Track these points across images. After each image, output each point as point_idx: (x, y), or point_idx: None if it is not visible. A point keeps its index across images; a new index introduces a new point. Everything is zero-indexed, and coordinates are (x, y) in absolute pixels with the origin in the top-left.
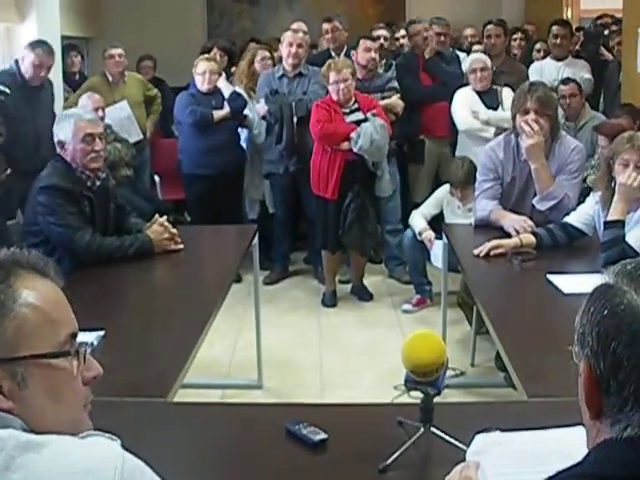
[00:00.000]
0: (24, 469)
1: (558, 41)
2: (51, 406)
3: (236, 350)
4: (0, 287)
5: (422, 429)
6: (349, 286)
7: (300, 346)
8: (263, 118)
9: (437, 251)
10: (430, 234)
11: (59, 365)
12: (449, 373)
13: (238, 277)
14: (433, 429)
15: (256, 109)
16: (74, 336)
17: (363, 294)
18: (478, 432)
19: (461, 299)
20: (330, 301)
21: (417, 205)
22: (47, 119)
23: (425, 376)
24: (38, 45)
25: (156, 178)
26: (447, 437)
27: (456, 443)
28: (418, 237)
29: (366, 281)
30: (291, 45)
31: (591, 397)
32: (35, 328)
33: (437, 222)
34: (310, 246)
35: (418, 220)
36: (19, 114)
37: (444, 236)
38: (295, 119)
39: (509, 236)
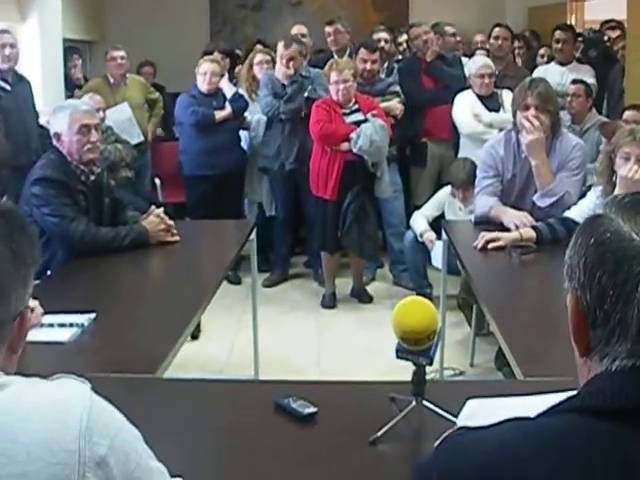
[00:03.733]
0: None
1: (560, 46)
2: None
3: (233, 349)
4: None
5: (414, 402)
6: (349, 287)
7: (298, 346)
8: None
9: (438, 252)
10: (431, 235)
11: None
12: (449, 372)
13: (237, 279)
14: (425, 402)
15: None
16: None
17: (363, 296)
18: (469, 398)
19: (461, 300)
20: (329, 302)
21: (419, 208)
22: (32, 114)
23: (416, 344)
24: (0, 31)
25: (157, 181)
26: (439, 410)
27: (448, 416)
28: (419, 238)
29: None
30: (282, 59)
31: (578, 331)
32: None
33: (438, 224)
34: (309, 248)
35: (419, 221)
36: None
37: (443, 233)
38: (306, 94)
39: (509, 232)
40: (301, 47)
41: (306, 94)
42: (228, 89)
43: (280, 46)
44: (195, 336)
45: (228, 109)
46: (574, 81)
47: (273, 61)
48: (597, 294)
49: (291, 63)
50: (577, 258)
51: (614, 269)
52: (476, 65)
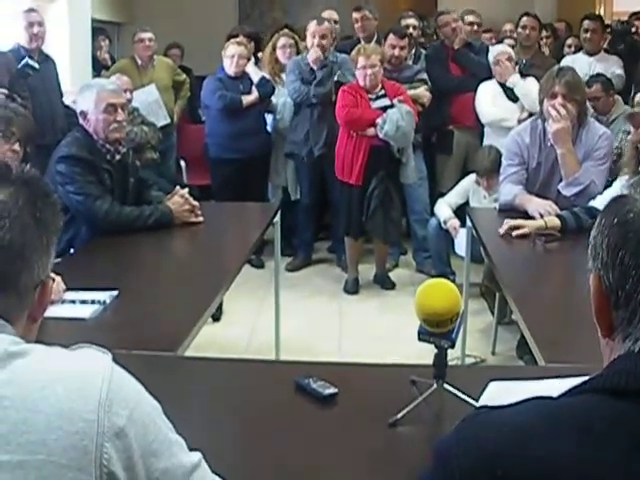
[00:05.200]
0: (9, 372)
1: (589, 35)
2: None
3: (255, 332)
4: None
5: (435, 385)
6: (372, 274)
7: (320, 330)
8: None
9: (461, 240)
10: (455, 222)
11: None
12: (470, 360)
13: (260, 263)
14: (446, 385)
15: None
16: None
17: (385, 282)
18: (491, 380)
19: (484, 287)
20: (352, 288)
21: (443, 195)
22: (57, 94)
23: (438, 326)
24: (28, 10)
25: (182, 163)
26: (460, 394)
27: (468, 400)
28: (443, 225)
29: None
30: (314, 36)
31: (601, 311)
32: None
33: (463, 212)
34: (334, 234)
35: (443, 209)
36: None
37: (467, 219)
38: (336, 78)
39: (534, 220)
40: (332, 27)
41: (335, 78)
42: (254, 73)
43: (312, 24)
44: (217, 318)
45: (255, 94)
46: (589, 83)
47: (296, 45)
48: (619, 274)
49: (324, 41)
50: (601, 238)
51: (637, 249)
52: (493, 53)
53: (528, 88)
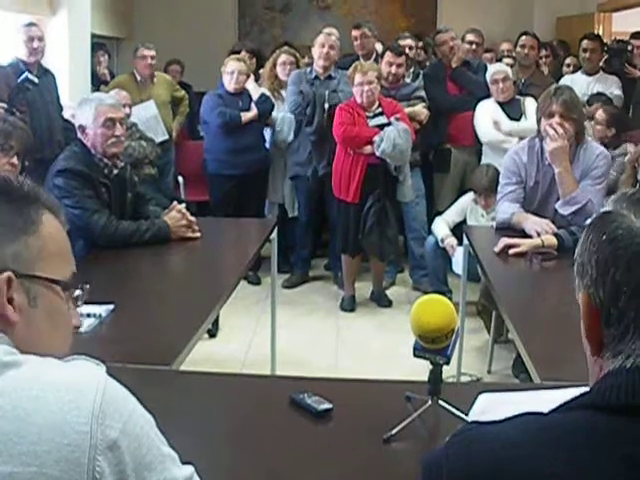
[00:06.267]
0: (1, 382)
1: (588, 55)
2: (49, 331)
3: (251, 349)
4: (33, 207)
5: (429, 401)
6: (368, 292)
7: (316, 348)
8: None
9: (459, 258)
10: (452, 240)
11: (64, 296)
12: (466, 378)
13: (257, 280)
14: (440, 402)
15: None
16: (74, 277)
17: (382, 300)
18: (481, 392)
19: (481, 306)
20: (349, 306)
21: (441, 214)
22: (56, 107)
23: (434, 342)
24: (28, 24)
25: (180, 179)
26: (454, 410)
27: (463, 416)
28: (440, 243)
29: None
30: (323, 46)
31: (591, 329)
32: (53, 255)
33: (460, 230)
34: (331, 251)
35: (441, 227)
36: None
37: (465, 237)
38: (327, 105)
39: (531, 238)
40: (338, 42)
41: (327, 105)
42: (254, 90)
43: (321, 35)
44: (213, 334)
45: (254, 110)
46: (588, 102)
47: (297, 62)
48: (611, 291)
49: (332, 51)
50: (588, 255)
51: (628, 265)
52: (490, 72)
53: (522, 126)
